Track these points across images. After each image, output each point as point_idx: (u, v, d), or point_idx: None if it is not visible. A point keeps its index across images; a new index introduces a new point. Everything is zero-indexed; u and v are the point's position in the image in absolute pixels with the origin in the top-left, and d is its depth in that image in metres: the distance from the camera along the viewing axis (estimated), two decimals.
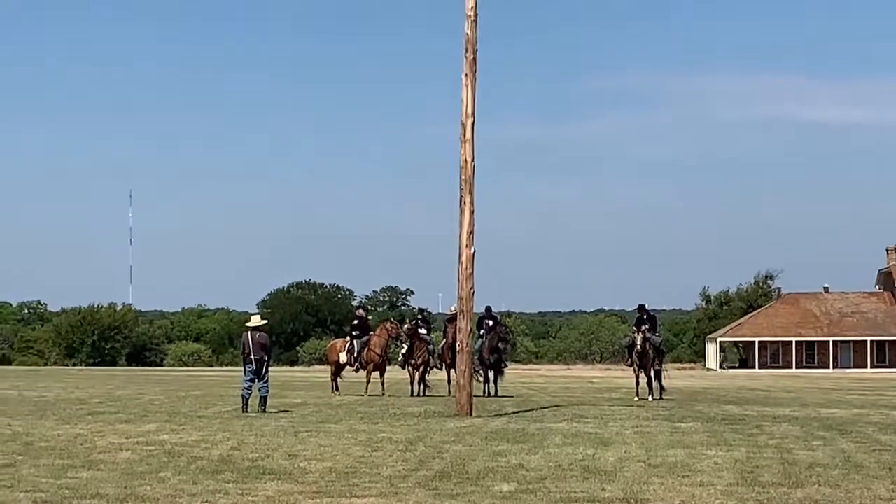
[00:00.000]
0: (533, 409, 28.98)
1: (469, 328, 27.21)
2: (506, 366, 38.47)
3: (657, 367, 35.72)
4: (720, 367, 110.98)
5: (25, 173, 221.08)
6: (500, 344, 37.34)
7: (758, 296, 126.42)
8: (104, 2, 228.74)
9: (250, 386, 27.28)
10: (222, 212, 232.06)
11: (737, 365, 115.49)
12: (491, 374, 37.11)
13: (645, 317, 35.67)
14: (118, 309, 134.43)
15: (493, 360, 36.90)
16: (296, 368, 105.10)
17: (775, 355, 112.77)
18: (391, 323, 38.55)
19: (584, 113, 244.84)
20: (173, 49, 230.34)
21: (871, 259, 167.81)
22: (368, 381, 36.96)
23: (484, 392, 36.11)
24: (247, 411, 26.79)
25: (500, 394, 36.74)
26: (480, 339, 36.49)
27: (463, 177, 26.91)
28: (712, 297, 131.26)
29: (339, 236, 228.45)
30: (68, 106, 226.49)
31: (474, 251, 26.84)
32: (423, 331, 37.46)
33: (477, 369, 35.54)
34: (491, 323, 37.36)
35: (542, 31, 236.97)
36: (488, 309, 38.04)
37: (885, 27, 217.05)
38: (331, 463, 16.46)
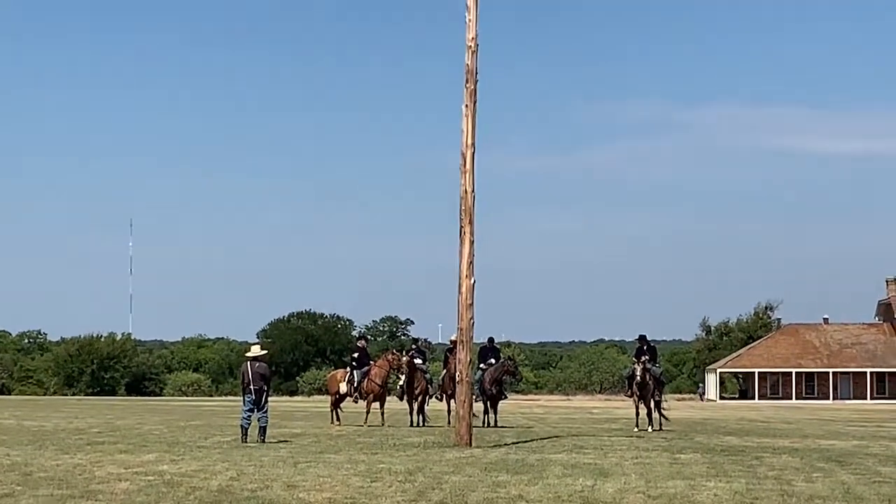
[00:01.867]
0: (532, 440, 28.93)
1: (469, 359, 27.16)
2: (505, 397, 38.46)
3: (657, 398, 35.71)
4: (702, 397, 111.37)
5: (25, 202, 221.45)
6: (505, 377, 37.38)
7: (758, 327, 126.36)
8: (105, 31, 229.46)
9: (249, 416, 27.24)
10: (222, 242, 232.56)
11: (737, 396, 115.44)
12: (490, 405, 37.12)
13: (645, 347, 35.68)
14: (117, 338, 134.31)
15: (494, 391, 36.90)
16: (295, 398, 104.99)
17: (775, 386, 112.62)
18: (392, 354, 38.49)
19: (585, 143, 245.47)
20: (174, 78, 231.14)
21: (871, 290, 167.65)
22: (368, 412, 36.91)
23: (483, 423, 36.08)
24: (246, 441, 26.74)
25: (499, 424, 36.73)
26: (480, 371, 36.47)
27: (463, 207, 26.93)
28: (712, 328, 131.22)
29: (338, 266, 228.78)
30: (68, 134, 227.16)
31: (474, 281, 26.83)
32: (418, 360, 37.44)
33: (476, 399, 35.57)
34: (493, 361, 37.29)
35: (543, 60, 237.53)
36: (491, 340, 38.05)
37: (881, 60, 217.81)
38: (330, 493, 16.42)
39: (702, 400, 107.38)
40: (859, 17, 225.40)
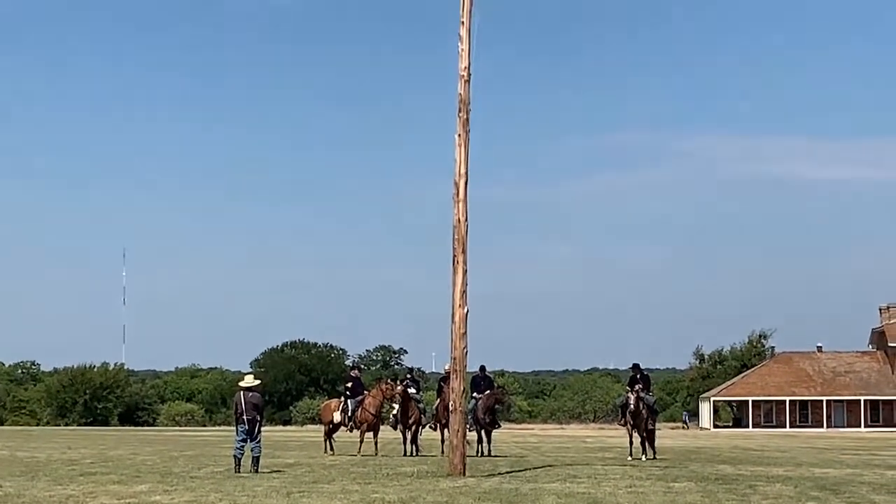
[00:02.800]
0: (526, 469, 28.90)
1: (462, 388, 27.15)
2: (499, 426, 38.46)
3: (650, 427, 35.69)
4: (686, 425, 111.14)
5: (18, 231, 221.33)
6: (496, 405, 37.41)
7: (751, 355, 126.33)
8: (99, 58, 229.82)
9: (243, 446, 27.21)
10: (215, 272, 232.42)
11: (730, 424, 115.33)
12: (484, 434, 37.13)
13: (638, 376, 35.67)
14: (111, 368, 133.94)
15: (488, 419, 36.90)
16: (289, 428, 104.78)
17: (769, 414, 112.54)
18: (386, 383, 38.49)
19: (579, 172, 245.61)
20: (167, 108, 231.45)
21: (865, 318, 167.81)
22: (362, 441, 36.89)
23: (477, 452, 36.06)
24: (239, 472, 26.70)
25: (493, 453, 36.71)
26: (473, 400, 36.50)
27: (456, 236, 26.96)
28: (706, 356, 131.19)
29: (332, 295, 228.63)
30: (61, 164, 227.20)
31: (467, 311, 26.83)
32: (412, 390, 37.46)
33: (470, 428, 35.62)
34: (483, 385, 37.32)
35: (535, 90, 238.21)
36: (482, 368, 38.04)
37: (874, 90, 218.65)
38: None
39: (686, 428, 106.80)
40: (856, 46, 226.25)
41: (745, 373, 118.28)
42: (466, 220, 27.02)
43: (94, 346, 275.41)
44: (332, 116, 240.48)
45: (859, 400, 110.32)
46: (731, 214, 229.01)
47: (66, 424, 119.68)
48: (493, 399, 37.14)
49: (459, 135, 27.24)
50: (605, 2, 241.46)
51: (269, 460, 31.05)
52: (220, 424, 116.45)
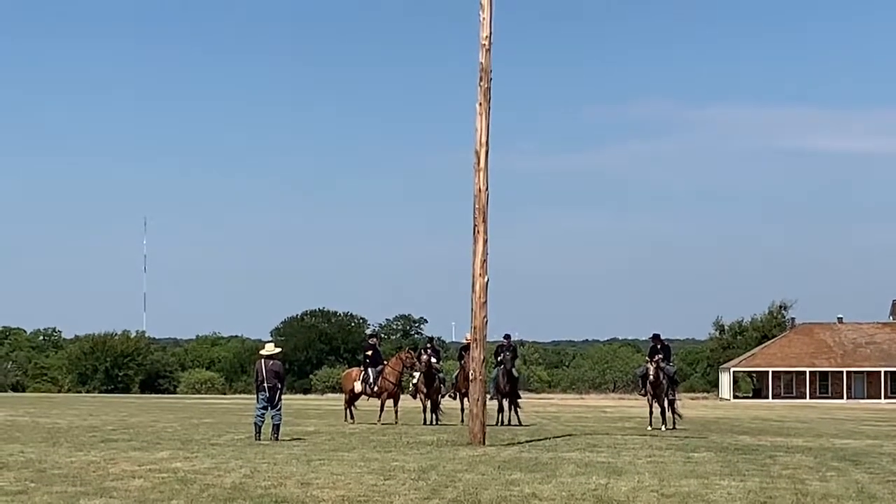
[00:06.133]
0: (546, 438, 28.93)
1: (482, 357, 27.15)
2: (519, 397, 38.23)
3: (671, 397, 35.68)
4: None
5: (40, 200, 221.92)
6: (512, 369, 37.09)
7: (772, 326, 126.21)
8: (121, 28, 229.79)
9: (263, 414, 27.30)
10: (236, 240, 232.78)
11: (750, 395, 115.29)
12: (506, 403, 37.03)
13: (659, 346, 35.62)
14: (132, 336, 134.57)
15: (508, 388, 36.73)
16: (309, 396, 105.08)
17: (789, 385, 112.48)
18: (406, 352, 38.57)
19: (598, 143, 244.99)
20: (187, 78, 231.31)
21: (886, 289, 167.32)
22: (382, 410, 36.96)
23: (497, 421, 35.98)
24: (259, 439, 26.80)
25: (521, 422, 36.62)
26: (497, 368, 36.43)
27: (476, 206, 26.94)
28: (726, 327, 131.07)
29: (352, 264, 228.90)
30: (83, 133, 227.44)
31: (488, 280, 26.83)
32: (433, 359, 37.46)
33: (492, 397, 35.66)
34: (509, 354, 37.27)
35: (554, 61, 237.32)
36: (507, 337, 37.86)
37: (890, 58, 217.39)
38: (343, 491, 16.43)
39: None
40: (869, 13, 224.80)
41: (765, 344, 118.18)
42: (487, 189, 26.99)
43: (115, 313, 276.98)
44: (354, 85, 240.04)
45: (879, 371, 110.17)
46: (752, 185, 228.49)
47: (88, 391, 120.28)
48: (511, 361, 36.74)
49: (480, 104, 27.20)
50: None
51: (290, 428, 31.14)
52: (240, 392, 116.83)
